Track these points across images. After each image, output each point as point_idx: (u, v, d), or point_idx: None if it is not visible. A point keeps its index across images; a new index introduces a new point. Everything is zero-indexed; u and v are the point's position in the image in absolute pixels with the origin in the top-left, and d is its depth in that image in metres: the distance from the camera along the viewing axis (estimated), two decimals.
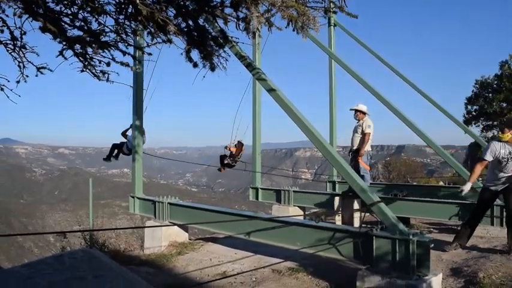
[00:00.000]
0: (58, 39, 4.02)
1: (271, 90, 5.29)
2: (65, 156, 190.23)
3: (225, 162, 10.32)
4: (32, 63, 4.26)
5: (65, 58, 4.23)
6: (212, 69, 5.06)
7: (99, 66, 4.57)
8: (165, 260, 6.27)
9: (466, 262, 5.31)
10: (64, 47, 4.15)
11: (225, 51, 5.24)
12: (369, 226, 4.76)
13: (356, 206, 7.90)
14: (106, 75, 4.68)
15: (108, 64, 4.57)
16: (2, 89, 4.22)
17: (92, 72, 4.60)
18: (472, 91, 27.08)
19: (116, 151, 9.53)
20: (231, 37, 5.15)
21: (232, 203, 76.56)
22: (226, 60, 5.28)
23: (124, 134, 9.25)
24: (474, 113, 27.28)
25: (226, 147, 10.34)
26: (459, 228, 6.13)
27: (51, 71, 4.32)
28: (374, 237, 4.27)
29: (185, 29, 4.55)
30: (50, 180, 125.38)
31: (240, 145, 10.38)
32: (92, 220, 8.53)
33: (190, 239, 7.55)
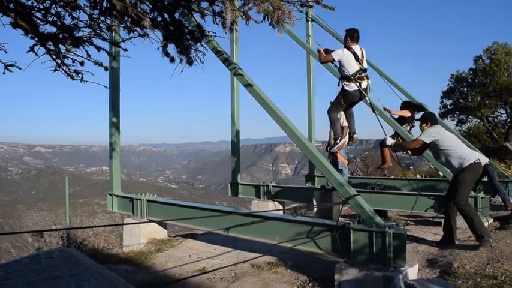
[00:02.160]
0: (30, 35, 3.93)
1: (248, 86, 5.29)
2: (41, 154, 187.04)
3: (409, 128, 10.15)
4: (0, 60, 4.15)
5: (36, 55, 4.14)
6: (190, 63, 5.03)
7: (73, 65, 4.50)
8: (144, 257, 6.22)
9: (441, 253, 5.42)
10: (36, 43, 4.06)
11: (202, 46, 5.22)
12: (346, 219, 4.81)
13: (334, 199, 7.97)
14: (80, 74, 4.61)
15: (82, 63, 4.50)
16: None
17: (66, 72, 4.52)
18: (448, 85, 27.58)
19: None
20: (208, 31, 5.13)
21: (213, 199, 76.37)
22: (204, 54, 5.26)
23: None
24: (450, 107, 27.82)
25: None
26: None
27: (19, 68, 4.21)
28: (351, 230, 4.31)
29: (161, 24, 4.51)
30: (26, 180, 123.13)
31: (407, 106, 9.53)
32: (69, 219, 8.42)
33: (169, 236, 7.51)
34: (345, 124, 8.19)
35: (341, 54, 6.37)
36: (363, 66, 6.39)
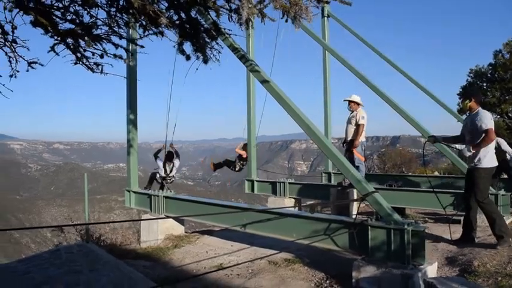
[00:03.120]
0: (50, 33, 3.98)
1: (264, 82, 5.28)
2: (60, 151, 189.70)
3: (237, 168, 10.60)
4: (23, 58, 4.22)
5: (57, 54, 4.19)
6: (205, 61, 5.05)
7: (93, 58, 4.54)
8: (161, 253, 6.27)
9: (461, 251, 5.34)
10: (56, 41, 4.12)
11: (218, 44, 5.23)
12: (364, 217, 4.78)
13: (351, 196, 7.93)
14: (100, 67, 4.65)
15: (101, 56, 4.54)
16: None
17: (86, 65, 4.57)
18: (467, 80, 27.10)
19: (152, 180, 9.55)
20: (224, 29, 5.13)
21: (229, 195, 76.70)
22: (220, 52, 5.27)
23: (156, 155, 9.30)
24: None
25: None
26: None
27: (42, 65, 4.28)
28: (369, 228, 4.28)
29: (177, 22, 4.53)
30: (45, 176, 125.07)
31: (245, 147, 10.58)
32: (88, 215, 8.52)
33: (186, 232, 7.56)
34: (361, 122, 8.13)
35: None
36: None
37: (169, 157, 9.27)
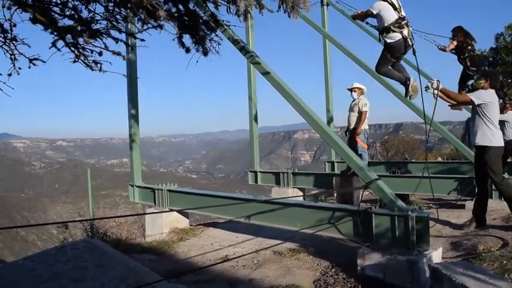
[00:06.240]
0: (49, 30, 3.98)
1: (265, 73, 5.27)
2: (63, 148, 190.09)
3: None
4: (23, 55, 4.22)
5: (58, 49, 4.19)
6: (205, 53, 5.04)
7: (91, 56, 4.54)
8: (166, 246, 6.30)
9: (465, 236, 5.35)
10: (55, 37, 4.11)
11: (217, 36, 5.22)
12: (368, 204, 4.78)
13: (355, 184, 7.93)
14: (98, 65, 4.64)
15: (100, 54, 4.54)
16: None
17: (85, 63, 4.57)
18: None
19: None
20: (223, 21, 5.11)
21: (233, 187, 76.79)
22: (219, 44, 5.26)
23: None
24: (470, 87, 27.25)
25: None
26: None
27: (43, 62, 4.28)
28: (373, 215, 4.29)
29: (176, 14, 4.51)
30: (49, 173, 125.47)
31: None
32: (92, 210, 8.55)
33: (191, 225, 7.58)
34: (364, 109, 8.12)
35: (379, 6, 5.89)
36: (401, 15, 5.92)
37: None
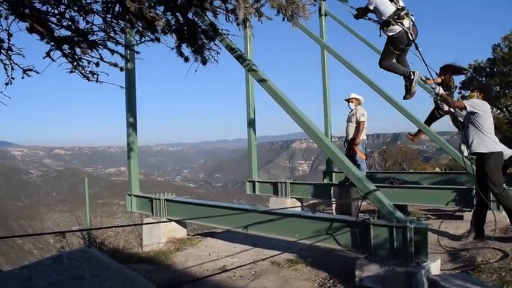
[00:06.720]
0: (46, 40, 3.98)
1: (262, 81, 5.27)
2: (61, 157, 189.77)
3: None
4: (18, 65, 4.21)
5: (52, 60, 4.19)
6: (204, 62, 5.05)
7: (88, 66, 4.54)
8: (164, 256, 6.26)
9: (464, 247, 5.34)
10: (52, 47, 4.11)
11: (216, 44, 5.23)
12: (366, 215, 4.77)
13: (353, 195, 7.92)
14: (95, 75, 4.65)
15: (97, 64, 4.54)
16: None
17: (81, 73, 4.57)
18: (466, 75, 27.02)
19: None
20: (221, 30, 5.13)
21: (230, 197, 76.70)
22: (218, 53, 5.27)
23: None
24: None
25: None
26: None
27: (37, 73, 4.27)
28: (371, 226, 4.27)
29: (174, 25, 4.52)
30: (47, 182, 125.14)
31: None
32: (90, 219, 8.52)
33: (188, 235, 7.55)
34: (362, 120, 8.13)
35: (374, 0, 5.84)
36: (400, 5, 5.84)
37: None
